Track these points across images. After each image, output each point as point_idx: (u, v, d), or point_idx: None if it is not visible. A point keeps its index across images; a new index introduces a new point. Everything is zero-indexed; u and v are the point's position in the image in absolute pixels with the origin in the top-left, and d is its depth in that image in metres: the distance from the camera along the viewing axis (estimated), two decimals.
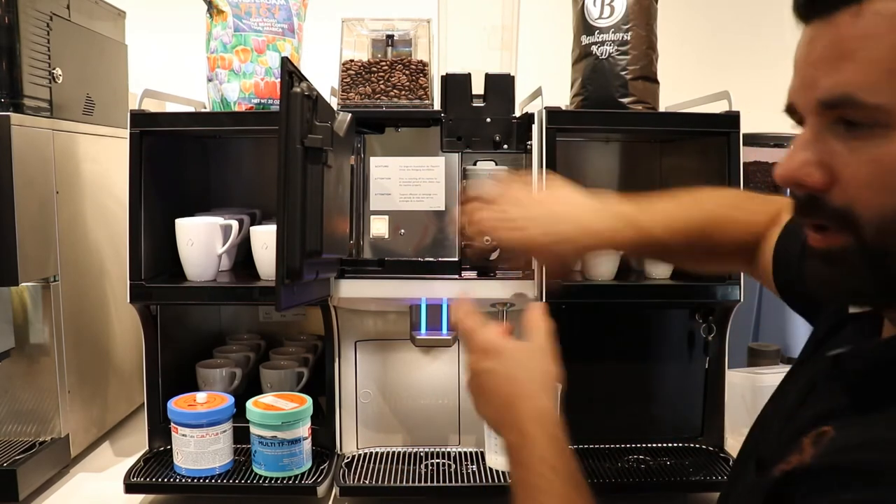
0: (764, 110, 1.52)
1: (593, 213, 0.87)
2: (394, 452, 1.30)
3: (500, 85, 1.20)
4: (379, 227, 1.23)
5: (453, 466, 1.25)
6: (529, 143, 1.18)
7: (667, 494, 1.24)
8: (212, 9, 1.27)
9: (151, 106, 1.25)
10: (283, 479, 1.19)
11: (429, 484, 1.19)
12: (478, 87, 1.20)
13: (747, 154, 1.39)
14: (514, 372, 0.78)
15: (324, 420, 1.29)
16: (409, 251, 1.23)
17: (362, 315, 1.30)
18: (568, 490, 0.68)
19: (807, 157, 0.52)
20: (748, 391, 1.32)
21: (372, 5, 1.42)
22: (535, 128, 1.18)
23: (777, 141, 1.51)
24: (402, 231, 1.23)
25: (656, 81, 1.28)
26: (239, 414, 1.22)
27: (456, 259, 1.21)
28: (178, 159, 1.42)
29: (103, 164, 1.43)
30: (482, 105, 1.20)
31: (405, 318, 1.24)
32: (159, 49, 1.81)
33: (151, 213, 1.25)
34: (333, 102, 1.24)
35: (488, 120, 1.19)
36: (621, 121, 1.26)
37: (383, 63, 1.24)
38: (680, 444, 1.32)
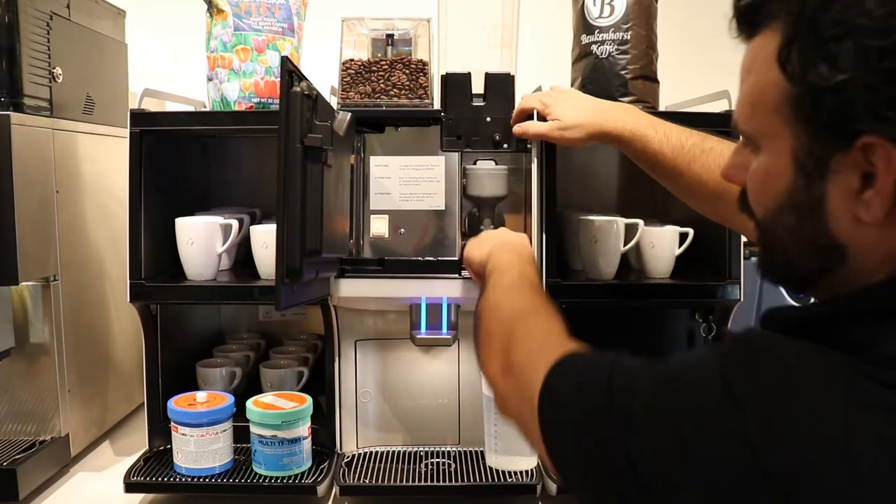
0: None
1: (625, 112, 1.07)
2: (394, 452, 1.30)
3: (501, 84, 1.20)
4: (379, 226, 1.23)
5: (453, 466, 1.25)
6: (529, 142, 1.18)
7: None
8: (212, 8, 1.27)
9: (151, 105, 1.25)
10: (283, 478, 1.19)
11: (429, 483, 1.19)
12: (478, 87, 1.20)
13: None
14: (496, 234, 1.05)
15: (324, 419, 1.29)
16: (409, 251, 1.23)
17: (362, 314, 1.30)
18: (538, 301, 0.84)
19: (734, 161, 0.65)
20: None
21: (372, 5, 1.42)
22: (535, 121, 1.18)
23: None
24: (402, 230, 1.23)
25: (656, 81, 1.28)
26: (239, 413, 1.22)
27: (456, 258, 1.21)
28: (178, 159, 1.42)
29: (103, 163, 1.43)
30: (482, 104, 1.20)
31: (405, 318, 1.24)
32: (159, 48, 1.81)
33: (151, 213, 1.25)
34: (333, 102, 1.24)
35: (488, 119, 1.19)
36: None
37: (383, 62, 1.24)
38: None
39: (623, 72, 1.24)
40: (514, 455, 1.18)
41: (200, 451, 1.18)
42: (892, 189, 0.50)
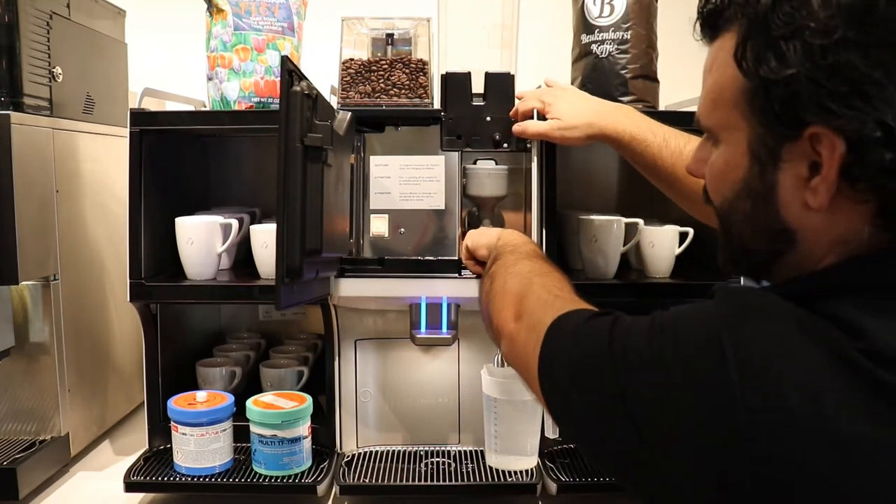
0: None
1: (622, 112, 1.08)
2: (394, 451, 1.30)
3: (500, 84, 1.20)
4: (379, 225, 1.23)
5: (453, 465, 1.25)
6: (529, 142, 1.18)
7: None
8: (212, 7, 1.27)
9: (151, 105, 1.25)
10: (283, 477, 1.19)
11: (429, 483, 1.19)
12: (478, 86, 1.20)
13: None
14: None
15: (324, 419, 1.29)
16: (408, 250, 1.23)
17: (362, 314, 1.30)
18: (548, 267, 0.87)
19: (698, 156, 0.69)
20: None
21: (372, 4, 1.42)
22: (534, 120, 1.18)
23: None
24: (402, 230, 1.23)
25: (656, 80, 1.28)
26: (239, 413, 1.22)
27: (456, 258, 1.21)
28: (178, 158, 1.42)
29: (103, 162, 1.43)
30: (482, 104, 1.20)
31: (405, 317, 1.24)
32: (159, 48, 1.81)
33: (151, 212, 1.25)
34: (333, 101, 1.24)
35: (488, 119, 1.19)
36: None
37: (383, 62, 1.24)
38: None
39: (623, 71, 1.24)
40: (514, 455, 1.18)
41: (200, 450, 1.18)
42: (836, 177, 0.54)
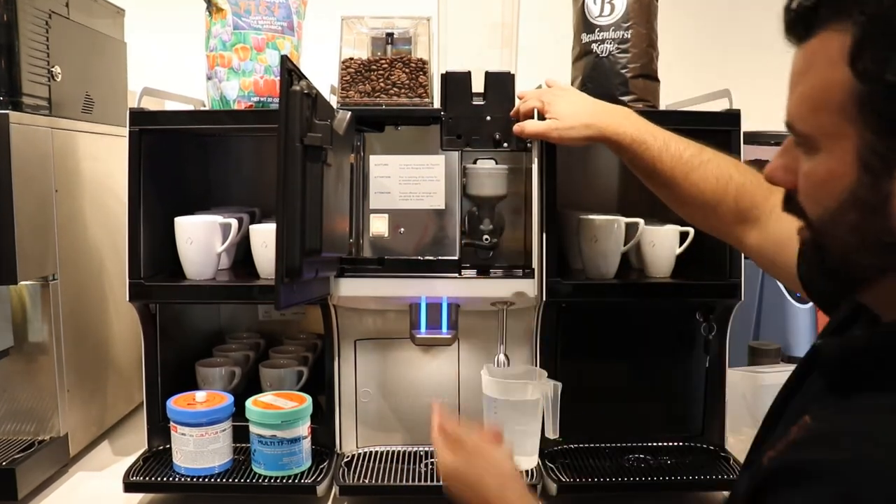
0: (765, 109, 1.52)
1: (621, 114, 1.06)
2: (393, 451, 1.30)
3: (501, 83, 1.19)
4: (378, 225, 1.23)
5: None
6: (530, 141, 1.18)
7: (667, 494, 1.24)
8: (211, 7, 1.27)
9: (151, 104, 1.25)
10: (283, 478, 1.19)
11: (428, 483, 1.19)
12: (478, 86, 1.20)
13: (748, 152, 1.38)
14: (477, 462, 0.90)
15: (323, 419, 1.29)
16: (408, 250, 1.23)
17: (362, 314, 1.30)
18: None
19: (781, 162, 0.63)
20: (749, 390, 1.32)
21: (371, 3, 1.41)
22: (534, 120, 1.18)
23: (778, 139, 1.51)
24: (402, 230, 1.23)
25: (657, 79, 1.28)
26: (238, 413, 1.22)
27: (456, 258, 1.21)
28: (178, 158, 1.42)
29: (102, 162, 1.42)
30: (482, 103, 1.19)
31: (405, 317, 1.24)
32: (158, 47, 1.81)
33: (150, 212, 1.24)
34: (333, 101, 1.23)
35: (488, 118, 1.19)
36: None
37: (383, 61, 1.24)
38: (680, 443, 1.32)
39: (623, 70, 1.24)
40: (514, 455, 1.18)
41: (200, 450, 1.18)
42: None
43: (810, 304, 1.62)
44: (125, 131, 1.21)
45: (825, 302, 0.77)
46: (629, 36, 1.23)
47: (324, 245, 1.01)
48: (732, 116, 1.22)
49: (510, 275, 1.21)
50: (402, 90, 1.23)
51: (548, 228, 1.19)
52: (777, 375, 1.31)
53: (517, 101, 1.18)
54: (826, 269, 0.61)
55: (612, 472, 1.22)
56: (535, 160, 1.18)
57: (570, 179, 1.46)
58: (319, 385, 1.32)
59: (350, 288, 1.20)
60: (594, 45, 1.25)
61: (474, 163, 1.27)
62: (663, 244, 1.26)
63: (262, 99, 1.28)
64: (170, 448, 1.21)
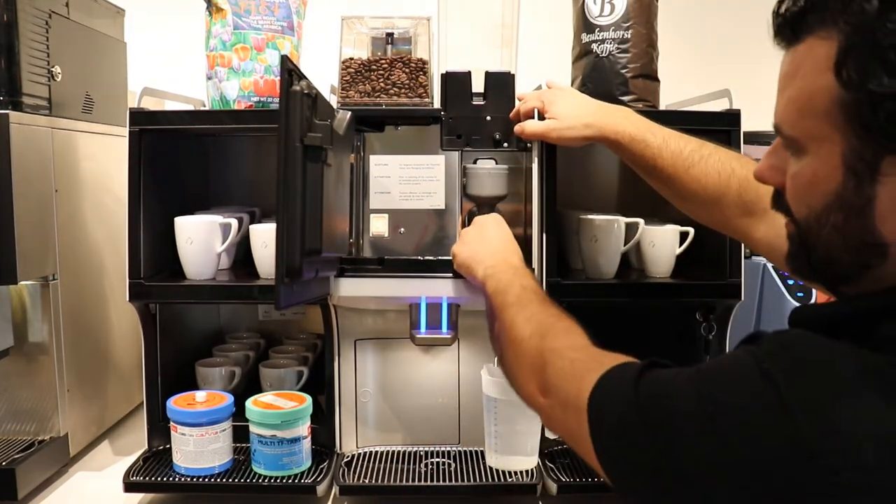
0: (765, 108, 1.52)
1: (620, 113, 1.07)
2: (393, 451, 1.30)
3: (501, 83, 1.19)
4: (378, 225, 1.23)
5: (453, 466, 1.24)
6: (530, 141, 1.18)
7: None
8: (211, 7, 1.27)
9: (151, 104, 1.25)
10: (283, 478, 1.19)
11: (429, 483, 1.19)
12: (478, 85, 1.20)
13: (748, 152, 1.38)
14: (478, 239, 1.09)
15: (323, 419, 1.29)
16: (408, 250, 1.23)
17: (362, 314, 1.30)
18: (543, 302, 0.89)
19: (770, 162, 0.66)
20: None
21: (372, 3, 1.42)
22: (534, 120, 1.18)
23: None
24: (402, 229, 1.23)
25: (657, 79, 1.28)
26: (238, 413, 1.22)
27: None
28: (178, 158, 1.42)
29: (102, 162, 1.42)
30: (482, 103, 1.19)
31: (405, 317, 1.24)
32: (158, 47, 1.81)
33: (150, 212, 1.24)
34: (333, 101, 1.23)
35: (488, 118, 1.19)
36: None
37: (383, 61, 1.24)
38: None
39: (623, 70, 1.24)
40: (514, 455, 1.18)
41: (200, 450, 1.18)
42: None
43: (810, 304, 1.62)
44: (125, 131, 1.21)
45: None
46: (629, 36, 1.23)
47: (324, 245, 1.01)
48: (732, 116, 1.22)
49: None
50: (402, 90, 1.23)
51: (548, 228, 1.19)
52: None
53: (517, 102, 1.18)
54: (811, 266, 0.63)
55: None
56: (535, 160, 1.18)
57: (570, 179, 1.46)
58: (319, 385, 1.32)
59: (350, 288, 1.20)
60: (594, 45, 1.25)
61: (474, 163, 1.27)
62: (663, 244, 1.26)
63: (262, 99, 1.28)
64: (170, 448, 1.21)
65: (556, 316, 0.86)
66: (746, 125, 1.22)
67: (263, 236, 1.27)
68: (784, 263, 0.91)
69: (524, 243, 1.28)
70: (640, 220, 1.26)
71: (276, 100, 1.21)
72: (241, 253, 1.40)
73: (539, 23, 1.55)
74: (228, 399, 1.22)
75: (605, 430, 0.65)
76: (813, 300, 1.62)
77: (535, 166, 1.18)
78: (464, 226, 1.23)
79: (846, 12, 0.54)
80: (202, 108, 1.37)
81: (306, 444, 1.22)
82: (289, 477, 1.19)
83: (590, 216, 1.26)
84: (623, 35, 1.23)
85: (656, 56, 1.27)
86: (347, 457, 1.28)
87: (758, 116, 1.31)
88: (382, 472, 1.22)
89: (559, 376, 0.76)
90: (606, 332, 1.34)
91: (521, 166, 1.34)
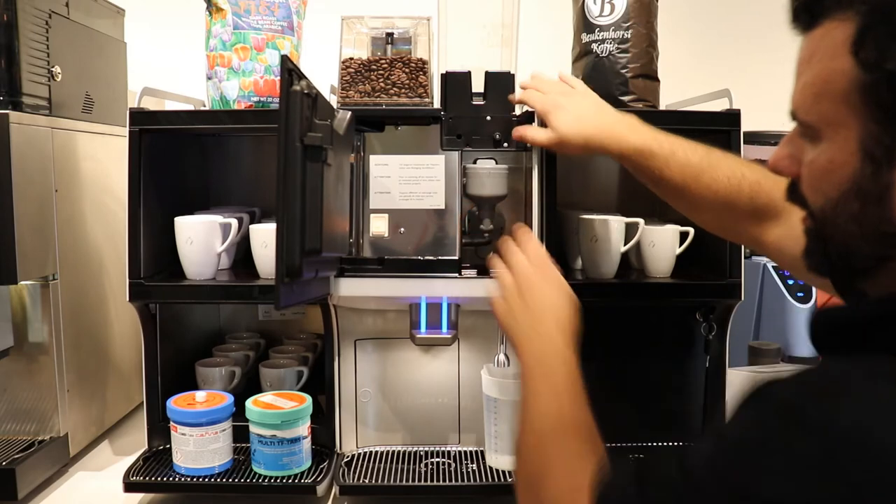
0: (765, 108, 1.52)
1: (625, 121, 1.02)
2: (393, 451, 1.30)
3: (501, 83, 1.19)
4: (379, 225, 1.23)
5: (453, 465, 1.24)
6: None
7: None
8: (211, 7, 1.27)
9: (151, 104, 1.25)
10: (283, 478, 1.19)
11: (429, 483, 1.19)
12: (478, 85, 1.20)
13: (748, 152, 1.38)
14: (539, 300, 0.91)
15: (323, 419, 1.29)
16: (408, 250, 1.23)
17: (362, 314, 1.30)
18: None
19: (786, 151, 0.63)
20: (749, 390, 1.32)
21: (372, 3, 1.41)
22: (535, 126, 1.17)
23: (778, 139, 1.51)
24: (402, 229, 1.23)
25: (657, 79, 1.28)
26: (238, 413, 1.22)
27: (456, 258, 1.21)
28: (178, 157, 1.42)
29: (102, 162, 1.42)
30: (482, 103, 1.19)
31: (405, 317, 1.24)
32: (158, 47, 1.81)
33: (150, 212, 1.24)
34: (333, 101, 1.23)
35: (488, 118, 1.19)
36: None
37: (383, 61, 1.24)
38: (680, 443, 1.32)
39: (623, 70, 1.24)
40: (514, 455, 1.18)
41: (200, 450, 1.18)
42: None
43: (810, 304, 1.62)
44: (125, 131, 1.21)
45: (837, 290, 0.78)
46: (629, 36, 1.23)
47: (324, 245, 1.01)
48: (732, 116, 1.22)
49: None
50: (402, 90, 1.23)
51: (548, 228, 1.19)
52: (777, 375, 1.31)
53: (518, 92, 1.15)
54: (828, 259, 0.61)
55: None
56: (535, 160, 1.18)
57: (570, 179, 1.46)
58: (319, 385, 1.32)
59: (350, 288, 1.20)
60: (594, 45, 1.25)
61: (474, 163, 1.27)
62: (663, 244, 1.26)
63: (262, 99, 1.28)
64: (170, 448, 1.21)
65: (582, 414, 0.84)
66: (746, 125, 1.22)
67: (263, 236, 1.27)
68: (793, 266, 0.91)
69: None
70: (640, 220, 1.26)
71: (276, 100, 1.21)
72: (241, 253, 1.40)
73: (539, 23, 1.55)
74: (228, 399, 1.22)
75: None
76: (813, 301, 1.62)
77: (535, 166, 1.18)
78: (463, 226, 1.23)
79: None
80: (202, 108, 1.37)
81: (306, 444, 1.22)
82: (289, 477, 1.19)
83: (590, 216, 1.26)
84: (623, 35, 1.23)
85: (656, 56, 1.27)
86: (347, 457, 1.28)
87: (757, 117, 1.31)
88: (382, 472, 1.22)
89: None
90: (606, 333, 1.35)
91: (521, 166, 1.34)
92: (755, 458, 0.50)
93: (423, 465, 1.24)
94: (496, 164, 1.27)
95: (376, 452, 1.29)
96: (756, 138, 1.54)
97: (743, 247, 1.22)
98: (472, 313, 1.27)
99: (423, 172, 1.23)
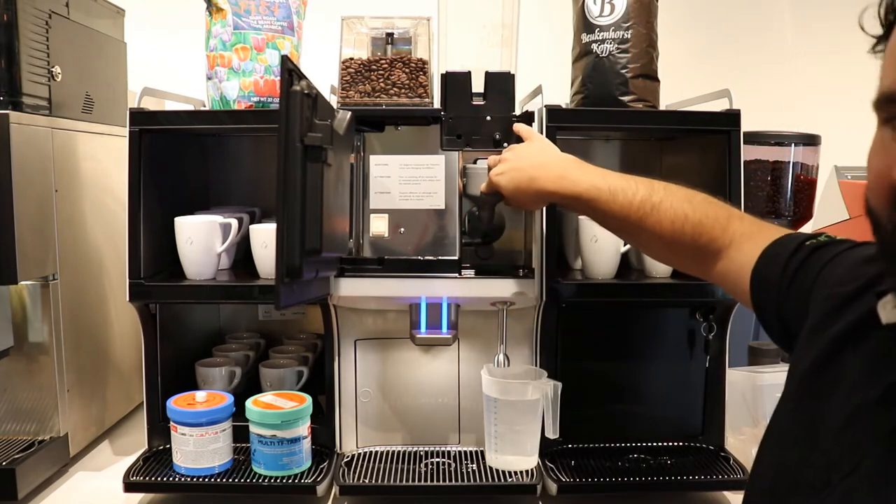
0: (765, 108, 1.52)
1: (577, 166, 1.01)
2: (393, 451, 1.30)
3: (501, 83, 1.19)
4: (379, 225, 1.23)
5: (453, 465, 1.24)
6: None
7: (667, 494, 1.24)
8: (211, 7, 1.27)
9: (151, 104, 1.25)
10: (283, 478, 1.19)
11: (429, 483, 1.19)
12: (478, 86, 1.20)
13: (748, 152, 1.38)
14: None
15: (323, 419, 1.29)
16: (408, 250, 1.23)
17: (362, 314, 1.30)
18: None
19: (886, 163, 0.55)
20: (748, 390, 1.32)
21: (372, 3, 1.42)
22: (535, 126, 1.17)
23: (778, 139, 1.51)
24: (402, 229, 1.23)
25: (657, 79, 1.28)
26: (238, 413, 1.22)
27: (456, 258, 1.21)
28: (178, 158, 1.42)
29: (102, 162, 1.42)
30: (482, 103, 1.19)
31: (405, 317, 1.24)
32: (158, 47, 1.81)
33: (150, 212, 1.24)
34: (333, 101, 1.23)
35: (488, 118, 1.19)
36: (622, 119, 1.26)
37: (383, 61, 1.24)
38: (680, 443, 1.32)
39: (623, 70, 1.24)
40: (514, 455, 1.18)
41: (200, 450, 1.18)
42: None
43: None
44: (125, 131, 1.21)
45: (782, 331, 0.80)
46: (629, 36, 1.23)
47: (324, 245, 1.01)
48: (732, 116, 1.22)
49: (510, 275, 1.21)
50: (402, 90, 1.23)
51: (548, 228, 1.19)
52: (777, 375, 1.31)
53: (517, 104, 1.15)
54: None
55: (612, 472, 1.22)
56: None
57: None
58: (319, 385, 1.32)
59: (350, 288, 1.20)
60: (594, 45, 1.25)
61: (474, 163, 1.27)
62: None
63: (262, 99, 1.28)
64: (170, 448, 1.21)
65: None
66: (746, 125, 1.22)
67: (263, 236, 1.27)
68: (738, 293, 0.90)
69: (524, 243, 1.29)
70: None
71: (277, 100, 1.21)
72: (241, 253, 1.40)
73: (539, 23, 1.55)
74: (228, 399, 1.22)
75: None
76: None
77: None
78: (463, 226, 1.23)
79: None
80: (202, 108, 1.37)
81: (306, 444, 1.22)
82: (289, 477, 1.19)
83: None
84: (623, 35, 1.23)
85: (656, 56, 1.27)
86: (347, 457, 1.28)
87: (758, 117, 1.31)
88: (382, 472, 1.22)
89: None
90: (606, 332, 1.35)
91: None
92: None
93: (423, 465, 1.24)
94: None
95: (376, 452, 1.29)
96: (756, 138, 1.54)
97: None
98: (472, 313, 1.27)
99: (423, 172, 1.23)
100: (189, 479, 1.18)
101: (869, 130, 0.59)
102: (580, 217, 1.27)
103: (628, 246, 1.26)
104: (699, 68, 1.82)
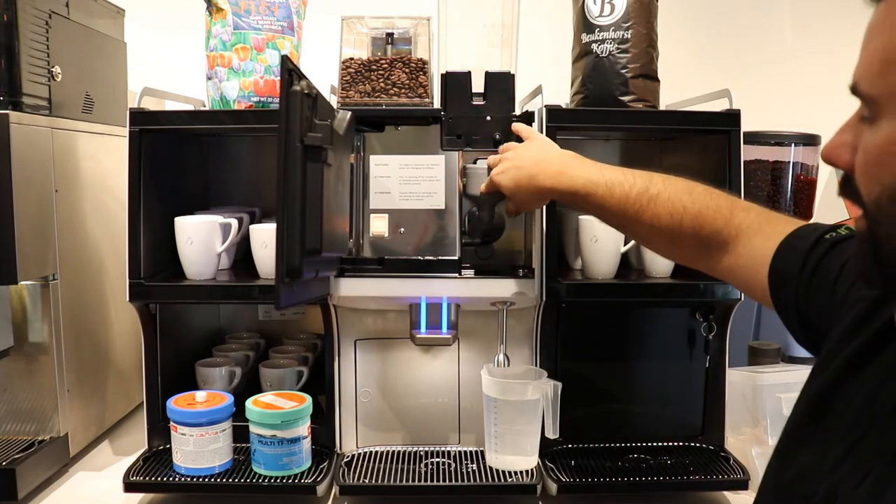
0: (765, 108, 1.52)
1: (577, 162, 1.02)
2: (393, 451, 1.30)
3: (501, 83, 1.19)
4: (379, 225, 1.23)
5: (453, 465, 1.24)
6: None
7: (667, 494, 1.24)
8: (211, 7, 1.27)
9: (151, 104, 1.25)
10: (283, 478, 1.19)
11: (429, 483, 1.19)
12: (478, 85, 1.20)
13: (748, 152, 1.38)
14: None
15: (323, 419, 1.29)
16: (408, 250, 1.23)
17: (362, 314, 1.30)
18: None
19: (843, 139, 0.56)
20: (749, 390, 1.32)
21: (372, 3, 1.41)
22: (535, 126, 1.17)
23: (778, 139, 1.51)
24: (402, 229, 1.23)
25: (657, 79, 1.28)
26: (238, 413, 1.22)
27: (456, 258, 1.21)
28: (178, 158, 1.42)
29: (102, 162, 1.42)
30: (482, 103, 1.19)
31: (405, 317, 1.24)
32: (158, 47, 1.81)
33: (150, 212, 1.24)
34: (333, 101, 1.23)
35: (488, 118, 1.19)
36: (622, 119, 1.26)
37: (383, 61, 1.24)
38: (680, 443, 1.32)
39: (623, 70, 1.24)
40: (514, 455, 1.18)
41: (200, 450, 1.18)
42: None
43: None
44: (125, 131, 1.21)
45: (804, 325, 0.76)
46: (629, 36, 1.23)
47: (324, 245, 1.01)
48: (732, 116, 1.22)
49: (510, 275, 1.21)
50: (402, 90, 1.23)
51: (548, 228, 1.19)
52: (777, 375, 1.31)
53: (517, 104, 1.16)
54: (880, 265, 0.55)
55: (612, 472, 1.22)
56: None
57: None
58: (319, 385, 1.32)
59: (350, 288, 1.20)
60: (594, 45, 1.25)
61: (474, 163, 1.27)
62: None
63: (262, 99, 1.28)
64: (170, 448, 1.21)
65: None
66: (746, 125, 1.22)
67: (263, 236, 1.27)
68: (748, 292, 0.89)
69: (524, 243, 1.29)
70: None
71: (276, 100, 1.21)
72: (241, 253, 1.40)
73: (539, 23, 1.55)
74: (228, 399, 1.22)
75: None
76: None
77: None
78: (463, 226, 1.23)
79: None
80: (202, 108, 1.37)
81: (306, 444, 1.22)
82: (289, 477, 1.19)
83: (590, 216, 1.26)
84: (623, 35, 1.23)
85: (656, 56, 1.27)
86: (347, 457, 1.28)
87: (757, 117, 1.31)
88: (382, 472, 1.22)
89: None
90: (607, 332, 1.35)
91: None
92: None
93: (423, 465, 1.24)
94: None
95: (376, 452, 1.29)
96: (756, 138, 1.54)
97: None
98: (472, 313, 1.27)
99: (423, 172, 1.23)
100: (189, 479, 1.18)
101: None
102: (580, 217, 1.28)
103: (628, 246, 1.26)
104: (699, 68, 1.82)
